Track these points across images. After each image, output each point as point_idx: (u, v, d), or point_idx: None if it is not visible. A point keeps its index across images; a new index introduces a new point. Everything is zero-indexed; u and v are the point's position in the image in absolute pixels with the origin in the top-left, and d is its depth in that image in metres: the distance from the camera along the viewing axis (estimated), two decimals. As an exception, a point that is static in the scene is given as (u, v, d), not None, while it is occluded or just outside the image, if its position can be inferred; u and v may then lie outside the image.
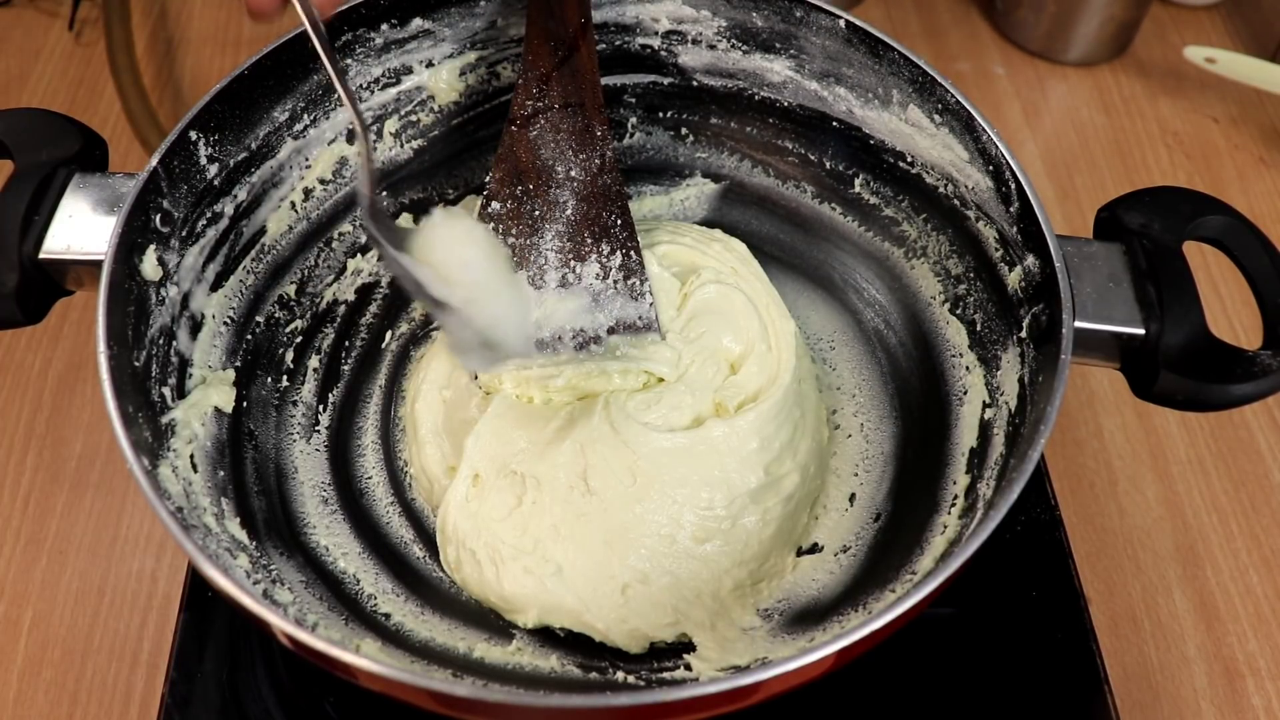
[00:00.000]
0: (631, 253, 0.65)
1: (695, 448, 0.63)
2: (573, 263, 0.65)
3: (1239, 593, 0.76)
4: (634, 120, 0.79)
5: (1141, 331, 0.56)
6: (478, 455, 0.65)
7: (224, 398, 0.64)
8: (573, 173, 0.66)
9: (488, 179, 0.67)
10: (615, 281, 0.65)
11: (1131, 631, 0.74)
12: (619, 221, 0.66)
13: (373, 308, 0.76)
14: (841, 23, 0.67)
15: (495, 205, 0.66)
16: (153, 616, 0.74)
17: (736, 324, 0.68)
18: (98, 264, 0.56)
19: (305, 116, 0.68)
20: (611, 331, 0.64)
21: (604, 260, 0.65)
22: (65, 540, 0.77)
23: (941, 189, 0.68)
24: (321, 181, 0.71)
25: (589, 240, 0.66)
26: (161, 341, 0.60)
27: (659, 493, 0.62)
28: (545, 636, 0.64)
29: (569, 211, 0.66)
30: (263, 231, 0.68)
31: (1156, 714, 0.70)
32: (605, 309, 0.65)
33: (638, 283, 0.65)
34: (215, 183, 0.64)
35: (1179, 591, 0.76)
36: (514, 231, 0.66)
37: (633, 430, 0.63)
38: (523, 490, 0.63)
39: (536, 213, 0.66)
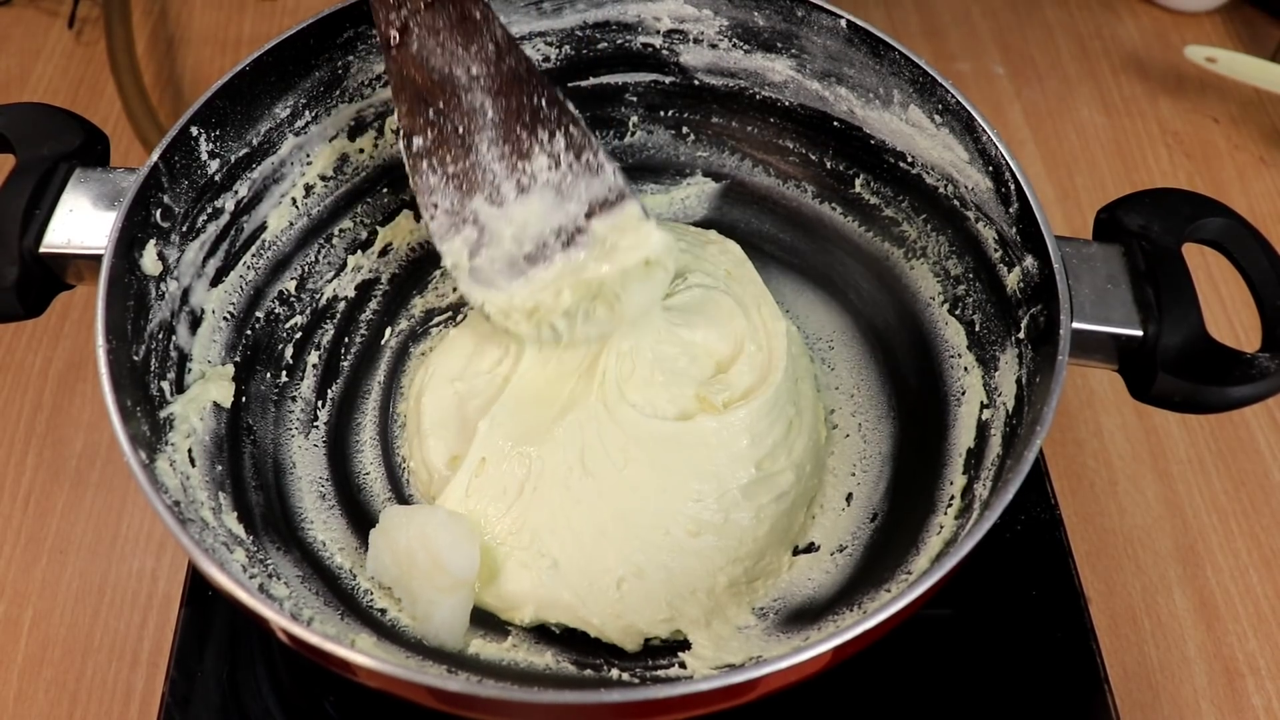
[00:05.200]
0: (570, 128, 0.62)
1: (684, 438, 0.63)
2: (519, 163, 0.62)
3: (1239, 593, 0.76)
4: (635, 119, 0.79)
5: (1139, 333, 0.56)
6: (490, 437, 0.64)
7: (223, 393, 0.64)
8: (473, 70, 0.61)
9: (396, 118, 0.63)
10: (569, 165, 0.62)
11: (1131, 631, 0.74)
12: (542, 101, 0.62)
13: (373, 304, 0.76)
14: (843, 23, 0.67)
15: (416, 141, 0.62)
16: (153, 615, 0.74)
17: (721, 324, 0.68)
18: (98, 258, 0.56)
19: (306, 113, 0.68)
20: (590, 216, 0.61)
21: (547, 147, 0.62)
22: (65, 539, 0.77)
23: (941, 189, 0.68)
24: (322, 178, 0.71)
25: (523, 133, 0.62)
26: (161, 336, 0.60)
27: (649, 479, 0.62)
28: (540, 633, 0.63)
29: (490, 113, 0.62)
30: (263, 227, 0.69)
31: (1156, 714, 0.70)
32: (573, 196, 0.62)
33: (591, 157, 0.62)
34: (216, 178, 0.64)
35: (1179, 591, 0.76)
36: (449, 159, 0.62)
37: (623, 411, 0.63)
38: (525, 475, 0.63)
39: (460, 129, 0.62)
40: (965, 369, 0.67)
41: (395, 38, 0.61)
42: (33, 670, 0.71)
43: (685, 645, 0.62)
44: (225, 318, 0.66)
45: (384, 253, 0.77)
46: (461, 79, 0.61)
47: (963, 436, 0.64)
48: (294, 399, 0.71)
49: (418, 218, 0.77)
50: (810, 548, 0.67)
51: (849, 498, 0.69)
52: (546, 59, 0.75)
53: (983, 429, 0.63)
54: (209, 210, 0.64)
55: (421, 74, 0.61)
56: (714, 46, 0.74)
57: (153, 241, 0.59)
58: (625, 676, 0.60)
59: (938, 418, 0.67)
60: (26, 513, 0.78)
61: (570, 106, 0.62)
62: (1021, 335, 0.61)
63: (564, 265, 0.62)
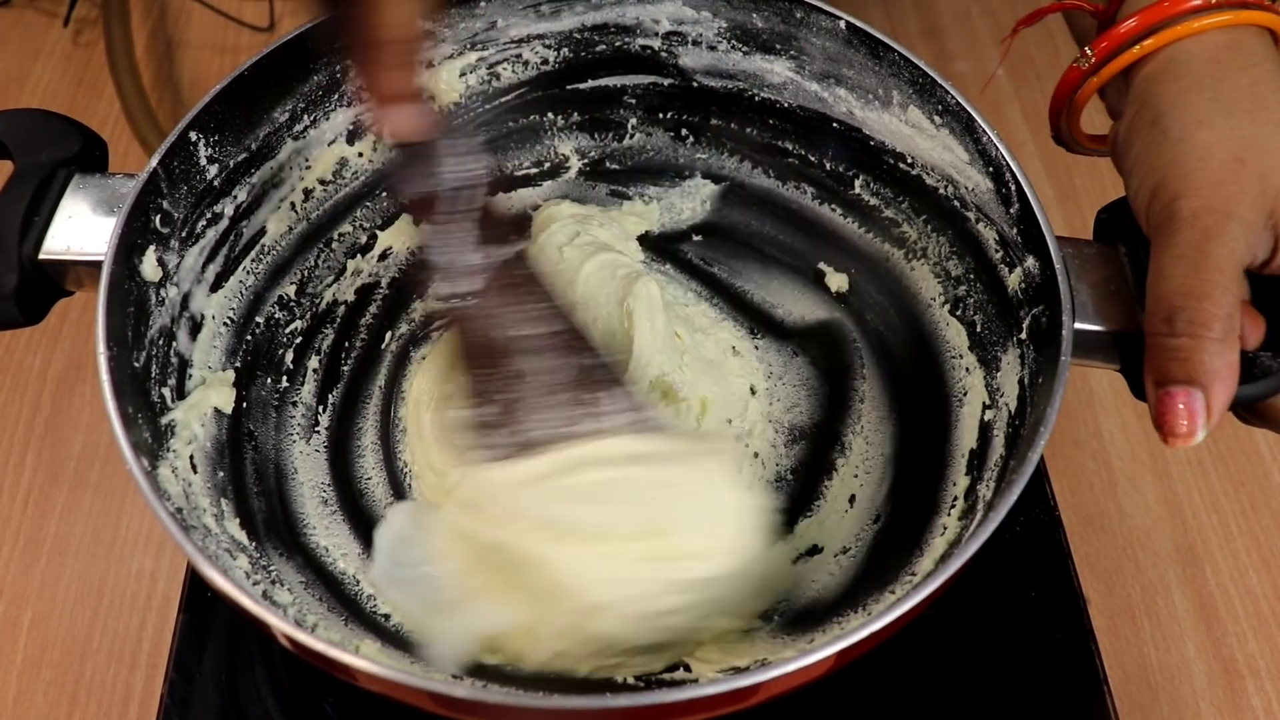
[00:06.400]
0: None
1: None
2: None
3: (1239, 593, 0.76)
4: (634, 121, 0.79)
5: (1141, 333, 0.56)
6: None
7: (224, 398, 0.64)
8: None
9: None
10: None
11: (1131, 632, 0.74)
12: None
13: (373, 308, 0.76)
14: (842, 24, 0.67)
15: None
16: (152, 617, 0.74)
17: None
18: (97, 264, 0.56)
19: (305, 117, 0.68)
20: None
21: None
22: (64, 540, 0.77)
23: (942, 190, 0.68)
24: (321, 182, 0.71)
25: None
26: (161, 342, 0.60)
27: None
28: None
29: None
30: (262, 232, 0.68)
31: (1156, 715, 0.71)
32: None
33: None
34: (215, 183, 0.64)
35: (1179, 591, 0.76)
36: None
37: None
38: None
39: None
40: (967, 370, 0.67)
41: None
42: (31, 671, 0.71)
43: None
44: (225, 323, 0.66)
45: (383, 257, 0.77)
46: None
47: (965, 438, 0.65)
48: (295, 404, 0.71)
49: (417, 222, 0.77)
50: (814, 550, 0.67)
51: (852, 499, 0.69)
52: (545, 61, 0.75)
53: (985, 430, 0.63)
54: (208, 215, 0.64)
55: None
56: (713, 48, 0.74)
57: (152, 247, 0.59)
58: (630, 680, 0.60)
59: (940, 419, 0.67)
60: (25, 514, 0.78)
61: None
62: (1023, 336, 0.61)
63: None
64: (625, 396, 0.58)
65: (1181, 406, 0.50)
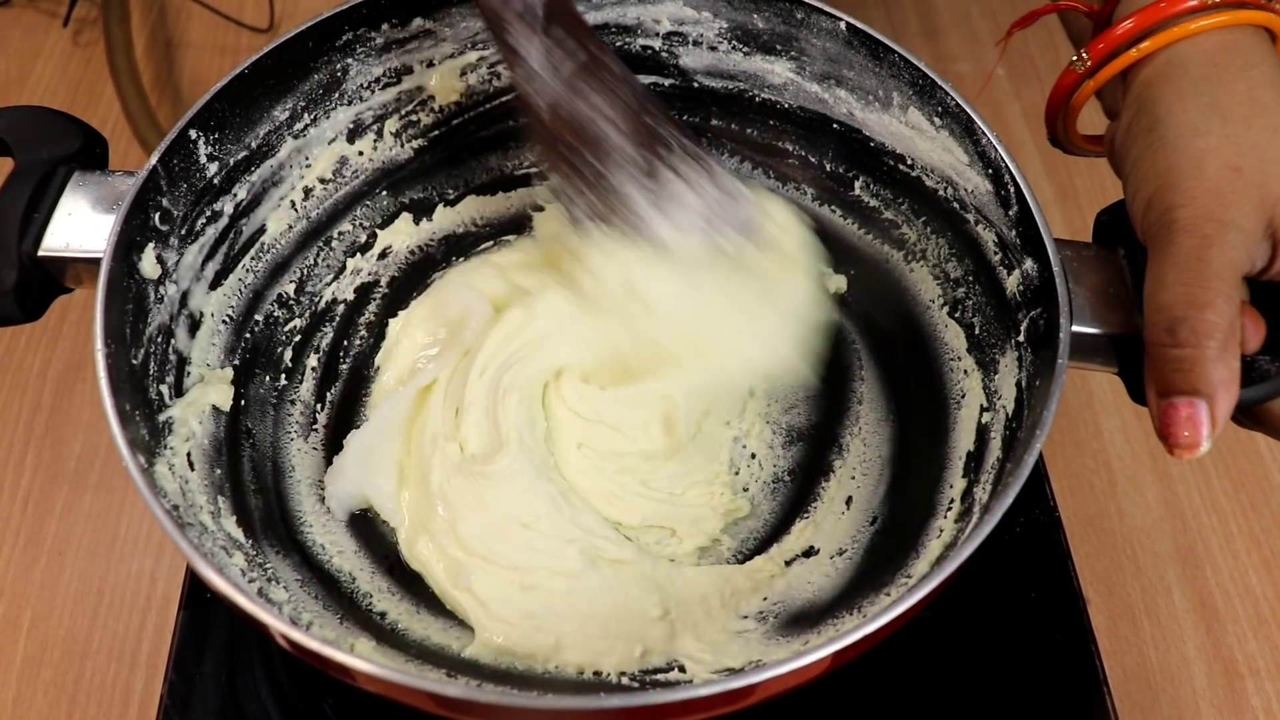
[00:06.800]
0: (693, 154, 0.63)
1: None
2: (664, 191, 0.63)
3: (1239, 593, 0.76)
4: (634, 121, 0.79)
5: (1139, 336, 0.56)
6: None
7: (222, 396, 0.64)
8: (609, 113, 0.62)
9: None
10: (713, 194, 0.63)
11: (1131, 632, 0.74)
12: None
13: (371, 307, 0.76)
14: (842, 25, 0.67)
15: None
16: (151, 617, 0.74)
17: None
18: (96, 262, 0.56)
19: (305, 115, 0.68)
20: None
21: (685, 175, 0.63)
22: (64, 541, 0.77)
23: (941, 192, 0.68)
24: (321, 181, 0.71)
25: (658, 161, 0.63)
26: (160, 339, 0.60)
27: None
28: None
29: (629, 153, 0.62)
30: (262, 230, 0.68)
31: (1156, 714, 0.70)
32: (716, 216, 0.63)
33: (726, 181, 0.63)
34: (215, 181, 0.64)
35: (1179, 592, 0.76)
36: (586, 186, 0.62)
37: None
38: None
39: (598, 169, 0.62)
40: (965, 372, 0.67)
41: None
42: (31, 672, 0.71)
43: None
44: (224, 321, 0.66)
45: (383, 255, 0.77)
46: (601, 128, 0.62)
47: (963, 440, 0.64)
48: (293, 402, 0.71)
49: (416, 221, 0.77)
50: (810, 551, 0.67)
51: (849, 501, 0.69)
52: (546, 61, 0.75)
53: (983, 432, 0.63)
54: (208, 213, 0.64)
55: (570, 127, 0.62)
56: (713, 49, 0.74)
57: (151, 245, 0.59)
58: (624, 680, 0.60)
59: (938, 421, 0.67)
60: (25, 514, 0.78)
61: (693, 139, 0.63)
62: (1021, 338, 0.60)
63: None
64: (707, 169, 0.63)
65: (1186, 417, 0.49)
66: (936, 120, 0.65)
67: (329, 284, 0.74)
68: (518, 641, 0.60)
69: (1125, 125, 0.57)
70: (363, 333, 0.75)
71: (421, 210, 0.77)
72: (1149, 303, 0.52)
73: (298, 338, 0.72)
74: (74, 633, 0.73)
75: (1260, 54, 0.55)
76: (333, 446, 0.70)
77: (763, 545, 0.67)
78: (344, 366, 0.74)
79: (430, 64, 0.73)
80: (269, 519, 0.63)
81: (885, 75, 0.67)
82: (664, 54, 0.75)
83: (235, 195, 0.66)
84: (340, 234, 0.74)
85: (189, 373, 0.63)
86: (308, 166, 0.70)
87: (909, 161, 0.69)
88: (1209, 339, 0.49)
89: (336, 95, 0.69)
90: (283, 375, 0.71)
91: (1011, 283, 0.62)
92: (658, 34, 0.74)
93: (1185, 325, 0.49)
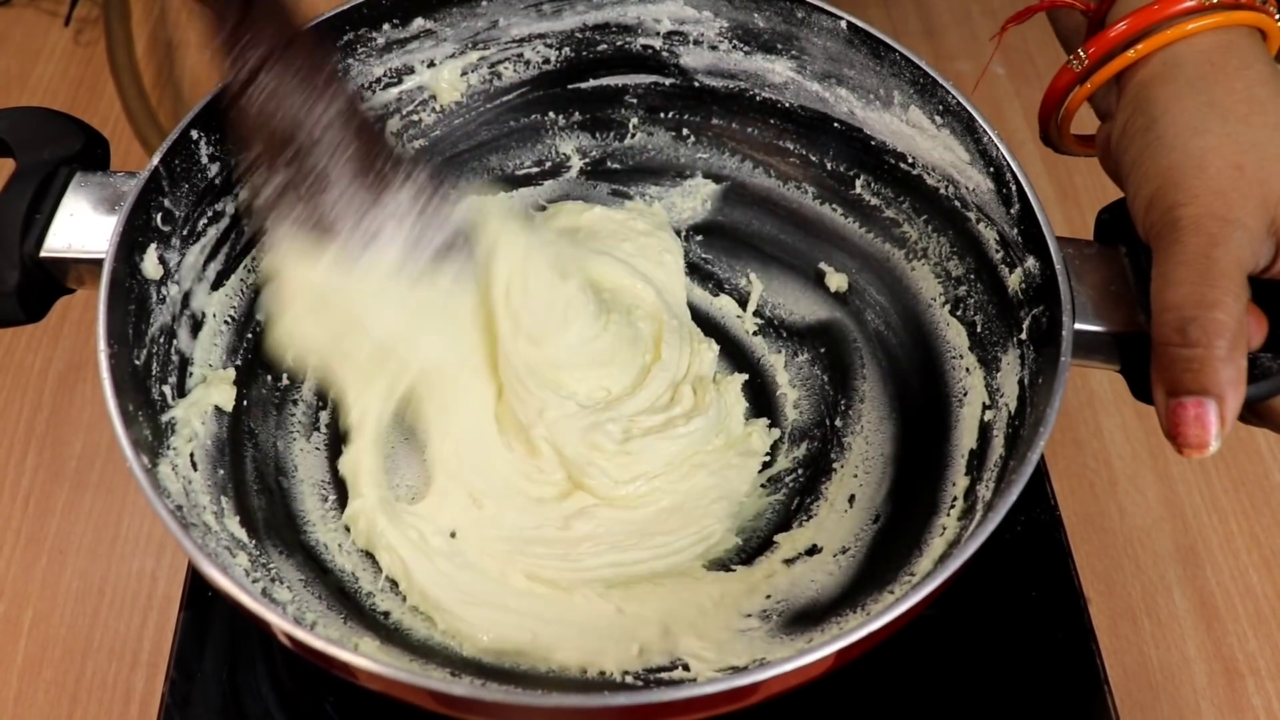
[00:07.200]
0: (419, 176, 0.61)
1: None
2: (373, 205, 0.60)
3: (1239, 593, 0.76)
4: (635, 121, 0.79)
5: (1142, 334, 0.56)
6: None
7: (224, 396, 0.64)
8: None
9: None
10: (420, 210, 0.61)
11: (1131, 631, 0.74)
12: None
13: (373, 307, 0.76)
14: (843, 24, 0.67)
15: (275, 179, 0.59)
16: (153, 616, 0.74)
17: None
18: (99, 262, 0.56)
19: (306, 116, 0.68)
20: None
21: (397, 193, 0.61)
22: (65, 540, 0.77)
23: (942, 190, 0.68)
24: (322, 181, 0.71)
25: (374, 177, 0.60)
26: (162, 340, 0.60)
27: None
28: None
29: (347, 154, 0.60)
30: (264, 230, 0.68)
31: (1156, 714, 0.71)
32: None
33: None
34: (216, 182, 0.64)
35: (1179, 591, 0.76)
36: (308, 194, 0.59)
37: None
38: None
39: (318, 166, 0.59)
40: (967, 370, 0.67)
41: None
42: (32, 671, 0.71)
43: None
44: (226, 321, 0.66)
45: (384, 254, 0.77)
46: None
47: (965, 438, 0.64)
48: (295, 402, 0.71)
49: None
50: (813, 550, 0.67)
51: (851, 499, 0.69)
52: (546, 61, 0.75)
53: (985, 430, 0.63)
54: (209, 214, 0.64)
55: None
56: (714, 48, 0.74)
57: (154, 245, 0.59)
58: (628, 679, 0.60)
59: (940, 419, 0.67)
60: (26, 513, 0.78)
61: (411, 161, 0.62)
62: (1023, 336, 0.61)
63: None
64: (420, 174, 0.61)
65: (1195, 417, 0.49)
66: (937, 119, 0.65)
67: (330, 284, 0.74)
68: (503, 638, 0.60)
69: (1121, 125, 0.57)
70: (364, 332, 0.75)
71: (422, 210, 0.77)
72: (1156, 301, 0.52)
73: (299, 337, 0.72)
74: (75, 631, 0.73)
75: (1255, 53, 0.55)
76: (335, 447, 0.70)
77: (765, 544, 0.67)
78: (345, 366, 0.74)
79: (431, 64, 0.73)
80: (272, 519, 0.63)
81: (886, 74, 0.67)
82: (664, 53, 0.75)
83: (237, 195, 0.65)
84: (341, 233, 0.74)
85: (191, 373, 0.63)
86: (309, 166, 0.70)
87: (910, 160, 0.69)
88: (1219, 338, 0.49)
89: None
90: (285, 375, 0.71)
91: (1013, 281, 0.62)
92: (658, 33, 0.74)
93: (1195, 325, 0.49)
